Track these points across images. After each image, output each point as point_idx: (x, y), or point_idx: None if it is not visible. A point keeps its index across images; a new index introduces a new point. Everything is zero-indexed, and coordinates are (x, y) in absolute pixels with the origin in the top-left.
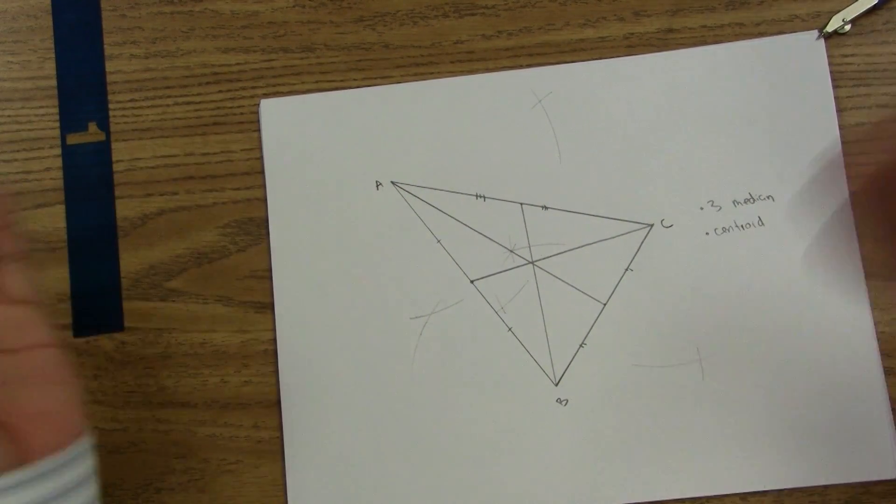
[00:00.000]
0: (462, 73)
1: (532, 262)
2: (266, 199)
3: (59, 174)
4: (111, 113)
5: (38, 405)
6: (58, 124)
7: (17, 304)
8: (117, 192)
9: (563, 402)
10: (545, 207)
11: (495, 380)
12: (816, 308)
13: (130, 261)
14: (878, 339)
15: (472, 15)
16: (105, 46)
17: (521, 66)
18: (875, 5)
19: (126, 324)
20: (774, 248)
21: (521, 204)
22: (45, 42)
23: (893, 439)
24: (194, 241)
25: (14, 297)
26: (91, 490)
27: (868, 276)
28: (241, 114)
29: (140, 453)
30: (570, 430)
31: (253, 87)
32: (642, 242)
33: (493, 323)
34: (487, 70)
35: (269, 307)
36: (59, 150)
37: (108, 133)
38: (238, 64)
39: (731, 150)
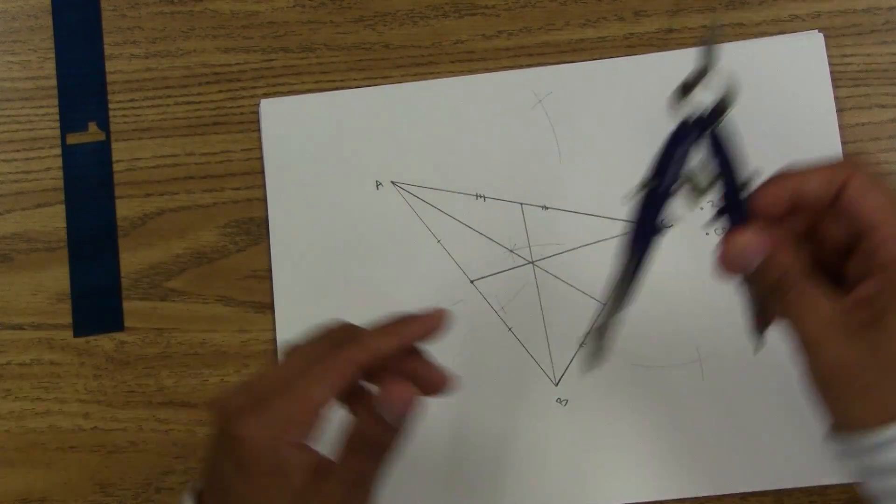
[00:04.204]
0: (462, 73)
1: (532, 262)
2: (266, 199)
3: (59, 174)
4: (111, 113)
5: None
6: (58, 124)
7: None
8: (117, 192)
9: (563, 402)
10: (545, 207)
11: (495, 380)
12: None
13: (130, 261)
14: None
15: (472, 15)
16: (105, 46)
17: (521, 66)
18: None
19: (126, 324)
20: None
21: (521, 204)
22: (45, 42)
23: None
24: (194, 241)
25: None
26: None
27: None
28: (241, 114)
29: (140, 453)
30: (570, 430)
31: (253, 87)
32: None
33: (493, 323)
34: (487, 70)
35: (269, 307)
36: (59, 150)
37: (108, 133)
38: (238, 64)
39: None
